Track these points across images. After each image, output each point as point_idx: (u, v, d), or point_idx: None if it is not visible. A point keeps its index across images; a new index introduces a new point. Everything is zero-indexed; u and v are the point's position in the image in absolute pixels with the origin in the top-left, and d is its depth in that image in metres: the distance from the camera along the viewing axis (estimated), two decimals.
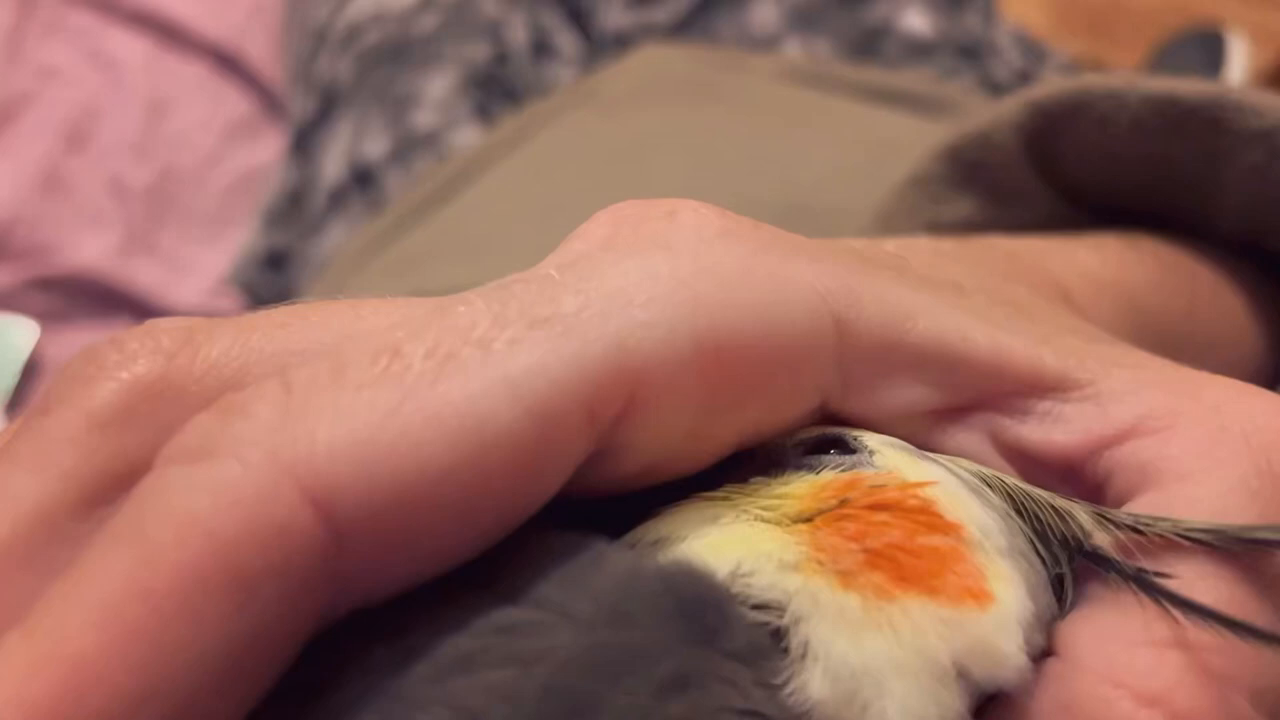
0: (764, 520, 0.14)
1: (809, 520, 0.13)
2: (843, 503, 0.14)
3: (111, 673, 0.11)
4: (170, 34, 0.81)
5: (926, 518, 0.13)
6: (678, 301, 0.14)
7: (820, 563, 0.13)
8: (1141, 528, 0.14)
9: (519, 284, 0.14)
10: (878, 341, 0.16)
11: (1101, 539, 0.14)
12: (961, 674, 0.12)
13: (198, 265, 0.76)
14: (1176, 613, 0.13)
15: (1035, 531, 0.14)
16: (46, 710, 0.11)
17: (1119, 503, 0.15)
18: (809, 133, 0.56)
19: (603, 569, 0.13)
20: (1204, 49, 1.10)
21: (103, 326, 0.74)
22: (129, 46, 0.80)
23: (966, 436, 0.16)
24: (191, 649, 0.12)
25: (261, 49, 0.83)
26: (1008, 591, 0.13)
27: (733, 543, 0.14)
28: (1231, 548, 0.14)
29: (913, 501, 0.13)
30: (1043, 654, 0.14)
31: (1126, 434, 0.15)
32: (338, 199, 0.72)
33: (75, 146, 0.77)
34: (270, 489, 0.12)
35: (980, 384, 0.16)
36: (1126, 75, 0.32)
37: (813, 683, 0.12)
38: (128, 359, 0.15)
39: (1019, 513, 0.15)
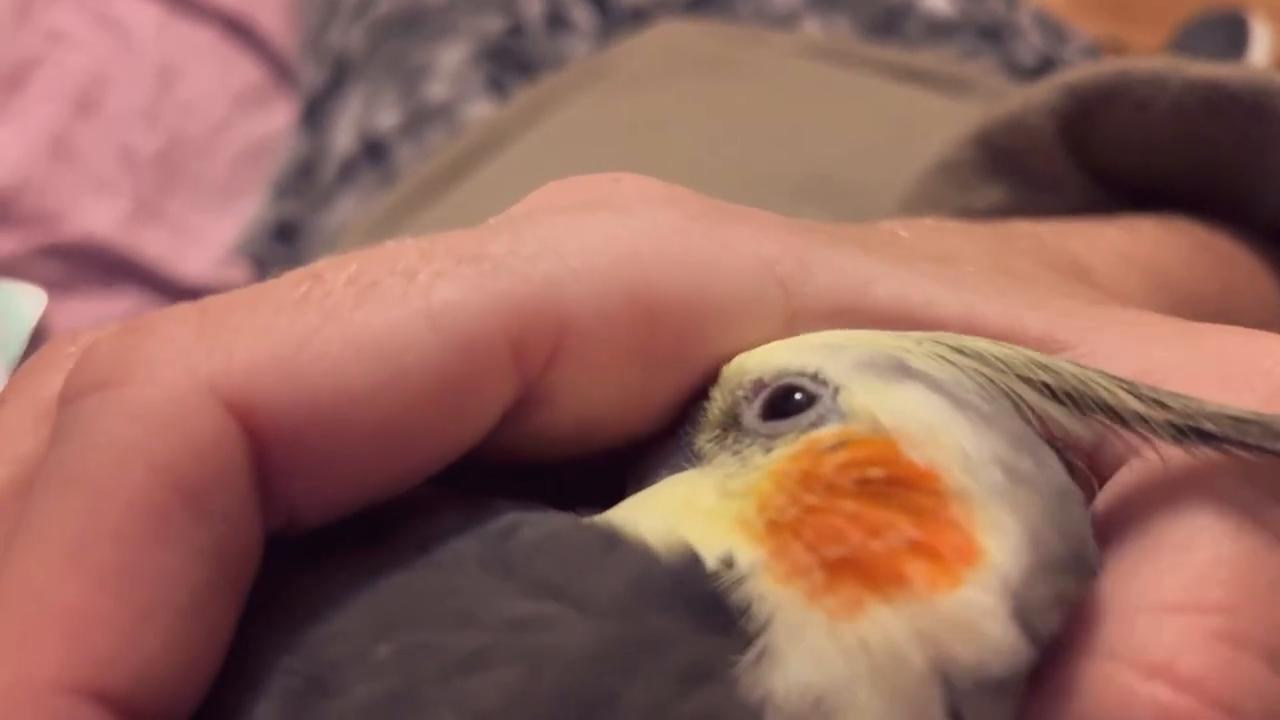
0: (732, 515, 0.13)
1: (772, 525, 0.13)
2: (802, 501, 0.13)
3: (104, 614, 0.12)
4: (181, 0, 0.80)
5: (894, 486, 0.13)
6: (612, 254, 0.14)
7: (785, 575, 0.12)
8: (1166, 401, 0.13)
9: (454, 231, 0.15)
10: (832, 305, 0.16)
11: (1134, 407, 0.13)
12: (942, 668, 0.12)
13: (206, 235, 0.76)
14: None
15: (1057, 395, 0.14)
16: (54, 674, 0.11)
17: (1116, 466, 0.14)
18: (830, 108, 0.55)
19: (611, 558, 0.13)
20: (1225, 31, 1.08)
21: (110, 295, 0.73)
22: (139, 12, 0.79)
23: None
24: (168, 570, 0.12)
25: (272, 17, 0.82)
26: (1000, 543, 0.12)
27: (715, 534, 0.13)
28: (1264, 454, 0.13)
29: (876, 472, 0.13)
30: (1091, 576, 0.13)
31: None
32: (348, 170, 0.71)
33: (84, 112, 0.76)
34: (193, 406, 0.13)
35: None
36: (1166, 59, 0.31)
37: (778, 690, 0.12)
38: (75, 353, 0.15)
39: (1038, 385, 0.14)
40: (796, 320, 0.15)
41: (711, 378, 0.15)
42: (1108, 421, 0.13)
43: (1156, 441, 0.13)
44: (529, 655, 0.12)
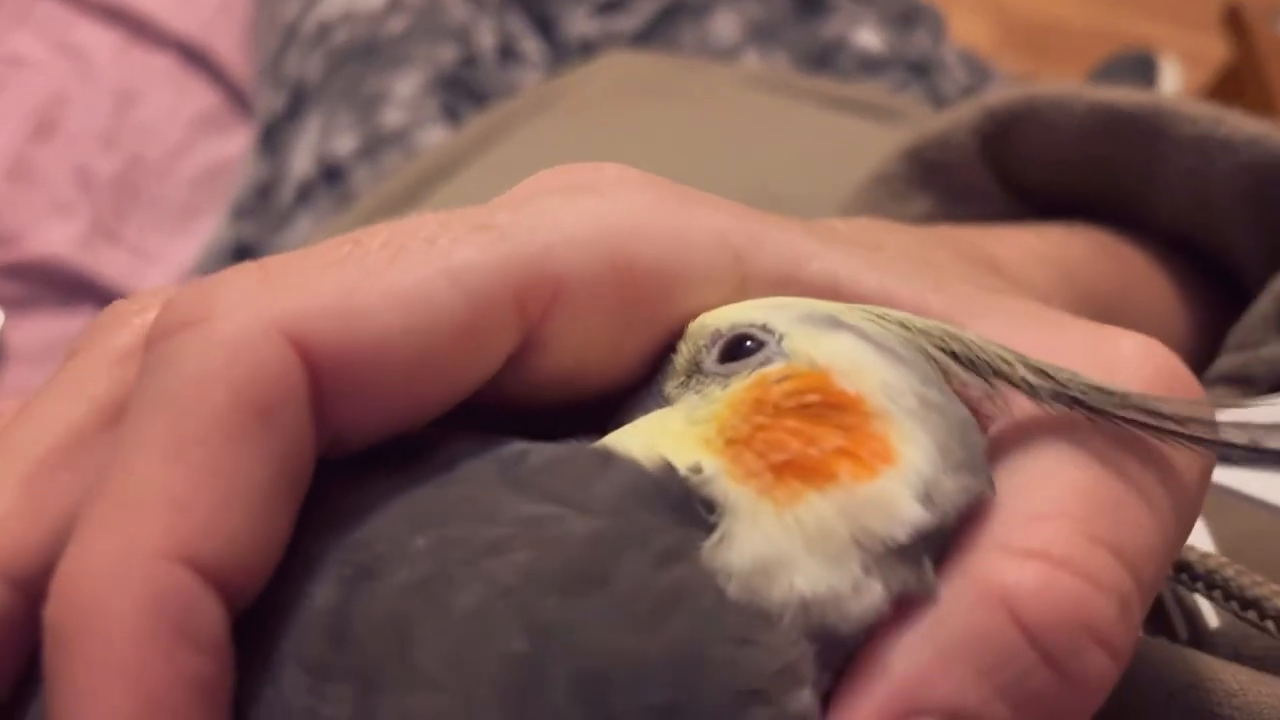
0: (697, 436, 0.16)
1: (729, 441, 0.16)
2: (753, 421, 0.16)
3: (196, 500, 0.14)
4: (139, 26, 0.82)
5: (827, 408, 0.16)
6: (596, 227, 0.17)
7: (741, 477, 0.15)
8: (1049, 371, 0.16)
9: (466, 207, 0.18)
10: (775, 276, 0.18)
11: (1023, 374, 0.16)
12: (861, 541, 0.15)
13: (164, 255, 0.77)
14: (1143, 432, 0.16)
15: (961, 360, 0.17)
16: (156, 543, 0.14)
17: (994, 418, 0.17)
18: (770, 131, 0.59)
19: (605, 472, 0.16)
20: (1137, 70, 1.15)
21: (68, 315, 0.74)
22: (97, 37, 0.81)
23: None
24: (243, 470, 0.15)
25: (229, 44, 0.84)
26: (914, 450, 0.15)
27: (685, 450, 0.16)
28: (1116, 420, 0.16)
29: (813, 397, 0.16)
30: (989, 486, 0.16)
31: None
32: (306, 193, 0.73)
33: (42, 135, 0.77)
34: (263, 339, 0.15)
35: None
36: (1073, 85, 0.35)
37: (733, 562, 0.15)
38: (139, 309, 0.18)
39: (948, 352, 0.17)
40: (747, 286, 0.18)
41: (678, 335, 0.18)
42: (1000, 384, 0.17)
43: (1037, 402, 0.16)
44: (540, 542, 0.15)
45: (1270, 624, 0.20)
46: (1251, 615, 0.20)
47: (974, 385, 0.17)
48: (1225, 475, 0.28)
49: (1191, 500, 0.17)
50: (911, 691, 0.14)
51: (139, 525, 0.14)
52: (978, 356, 0.17)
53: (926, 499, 0.15)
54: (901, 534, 0.15)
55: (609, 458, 0.16)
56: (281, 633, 0.15)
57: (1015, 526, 0.15)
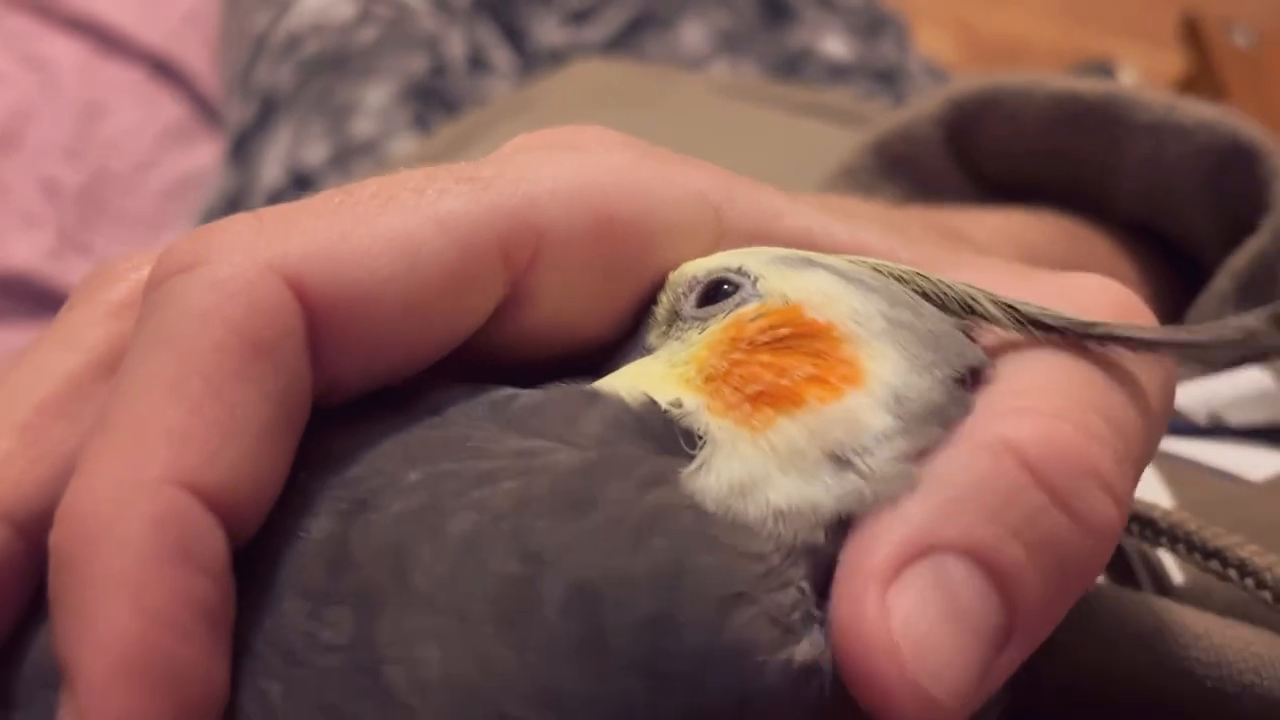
0: (678, 377, 0.17)
1: (708, 378, 0.17)
2: (730, 358, 0.17)
3: (198, 431, 0.15)
4: (105, 39, 0.82)
5: (800, 338, 0.17)
6: (579, 182, 0.18)
7: (720, 410, 0.16)
8: (1015, 305, 0.17)
9: (451, 163, 0.18)
10: (751, 230, 0.19)
11: (990, 307, 0.17)
12: (833, 456, 0.16)
13: None
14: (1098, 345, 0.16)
15: (931, 298, 0.17)
16: (161, 471, 0.14)
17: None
18: (740, 137, 0.59)
19: (591, 409, 0.16)
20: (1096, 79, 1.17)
21: (35, 326, 0.73)
22: (64, 50, 0.80)
23: None
24: (244, 403, 0.15)
25: (196, 56, 0.84)
26: (882, 365, 0.16)
27: (666, 389, 0.17)
28: (1084, 340, 0.17)
29: (785, 330, 0.17)
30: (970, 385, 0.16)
31: None
32: (276, 202, 0.72)
33: (7, 147, 0.77)
34: (260, 279, 0.16)
35: None
36: (1034, 75, 0.36)
37: (710, 485, 0.15)
38: (136, 266, 0.18)
39: (918, 291, 0.18)
40: (724, 240, 0.19)
41: (659, 288, 0.19)
42: (969, 317, 0.17)
43: (1005, 331, 0.17)
44: (528, 472, 0.15)
45: (1233, 572, 0.20)
46: (1214, 565, 0.20)
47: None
48: (1188, 447, 0.28)
49: (1161, 404, 0.17)
50: (925, 531, 0.15)
51: (143, 453, 0.14)
52: (946, 294, 0.18)
53: (895, 403, 0.16)
54: (869, 439, 0.16)
55: (594, 396, 0.17)
56: (280, 564, 0.15)
57: (1010, 395, 0.16)
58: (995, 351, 0.17)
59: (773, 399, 0.16)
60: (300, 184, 0.73)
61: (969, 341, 0.17)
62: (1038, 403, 0.16)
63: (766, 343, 0.17)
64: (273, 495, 0.15)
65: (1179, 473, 0.26)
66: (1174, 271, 0.36)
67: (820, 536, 0.15)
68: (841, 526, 0.15)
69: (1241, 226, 0.33)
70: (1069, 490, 0.15)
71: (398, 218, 0.16)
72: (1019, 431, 0.15)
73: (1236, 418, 0.30)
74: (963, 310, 0.17)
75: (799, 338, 0.17)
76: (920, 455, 0.15)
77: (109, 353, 0.17)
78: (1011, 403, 0.16)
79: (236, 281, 0.15)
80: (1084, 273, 0.19)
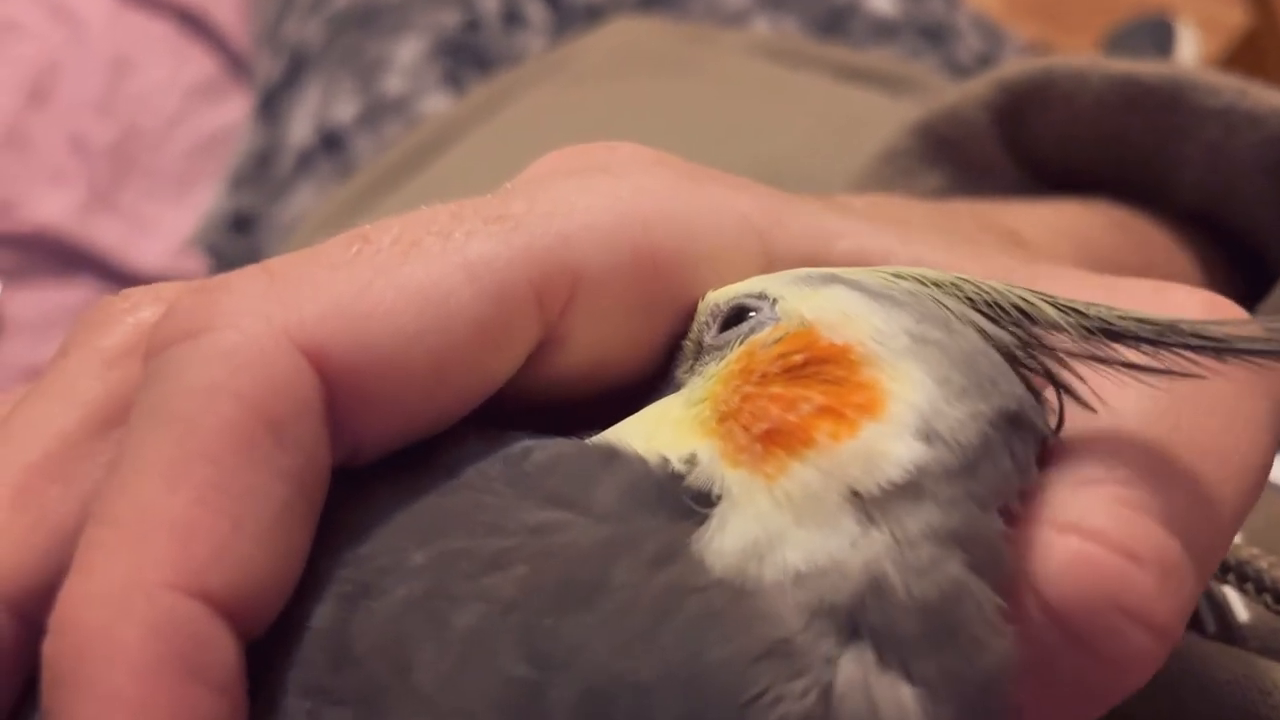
0: (694, 419, 0.16)
1: (722, 417, 0.15)
2: (741, 392, 0.15)
3: (203, 525, 0.13)
4: None
5: (814, 364, 0.15)
6: (616, 212, 0.16)
7: (734, 455, 0.15)
8: (1080, 308, 0.15)
9: (476, 198, 0.17)
10: (803, 255, 0.18)
11: (1050, 312, 0.15)
12: (856, 494, 0.14)
13: (161, 225, 0.76)
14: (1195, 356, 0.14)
15: (980, 306, 0.16)
16: (163, 575, 0.13)
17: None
18: (780, 106, 0.57)
19: (607, 472, 0.15)
20: (1153, 36, 1.13)
21: (64, 284, 0.73)
22: (92, 3, 0.79)
23: None
24: (255, 488, 0.14)
25: (226, 10, 0.83)
26: (906, 387, 0.15)
27: (681, 437, 0.15)
28: (1163, 347, 0.15)
29: (798, 357, 0.15)
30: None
31: None
32: (305, 161, 0.72)
33: (36, 102, 0.76)
34: (272, 349, 0.14)
35: None
36: (1089, 56, 0.33)
37: (726, 549, 0.14)
38: (133, 307, 0.17)
39: (963, 298, 0.16)
40: (772, 268, 0.17)
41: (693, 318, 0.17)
42: (1024, 324, 0.16)
43: (1073, 340, 0.15)
44: (540, 555, 0.14)
45: None
46: None
47: (1000, 337, 0.16)
48: None
49: (1261, 446, 0.16)
50: None
51: (142, 552, 0.13)
52: (994, 299, 0.16)
53: (928, 432, 0.14)
54: (897, 474, 0.14)
55: (610, 455, 0.15)
56: (282, 655, 0.14)
57: (1056, 496, 0.14)
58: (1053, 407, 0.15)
59: (782, 438, 0.14)
60: (330, 142, 0.72)
61: (1013, 375, 0.15)
62: (1081, 512, 0.14)
63: (779, 373, 0.15)
64: (291, 584, 0.14)
65: None
66: (1236, 269, 0.34)
67: (846, 593, 0.14)
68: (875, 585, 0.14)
69: None
70: (1094, 632, 0.14)
71: (422, 267, 0.15)
72: (1046, 564, 0.14)
73: None
74: (1020, 316, 0.16)
75: (814, 364, 0.15)
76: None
77: (105, 407, 0.16)
78: (1049, 514, 0.14)
79: (246, 351, 0.14)
80: (1176, 284, 0.17)
